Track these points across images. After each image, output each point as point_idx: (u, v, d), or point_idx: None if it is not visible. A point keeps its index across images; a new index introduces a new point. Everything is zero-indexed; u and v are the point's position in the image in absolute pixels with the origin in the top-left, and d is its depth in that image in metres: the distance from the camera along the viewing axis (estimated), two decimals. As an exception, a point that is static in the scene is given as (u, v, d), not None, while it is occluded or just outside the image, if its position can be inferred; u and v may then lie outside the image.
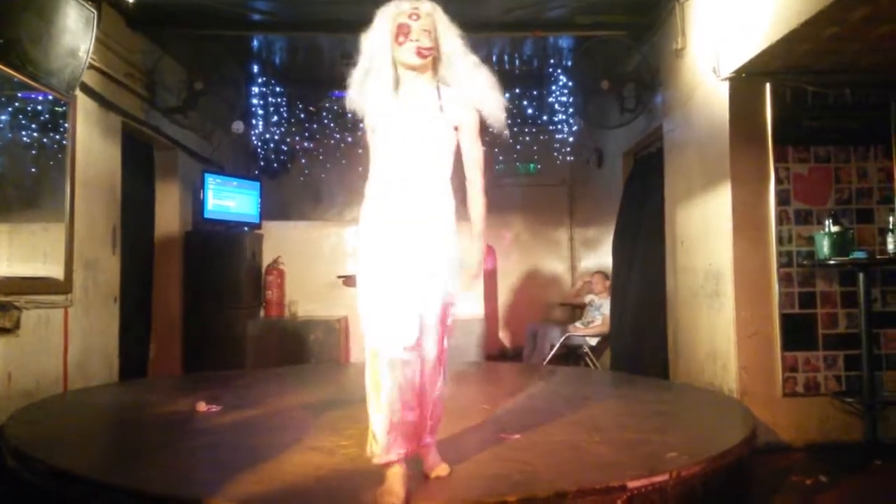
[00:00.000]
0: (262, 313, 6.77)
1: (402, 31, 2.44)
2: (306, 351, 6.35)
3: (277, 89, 7.52)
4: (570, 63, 6.83)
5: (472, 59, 2.54)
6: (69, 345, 4.47)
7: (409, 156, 2.46)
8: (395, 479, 2.35)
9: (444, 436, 2.91)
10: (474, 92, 2.53)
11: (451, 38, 2.51)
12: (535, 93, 7.67)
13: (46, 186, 4.60)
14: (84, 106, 4.67)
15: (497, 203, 8.32)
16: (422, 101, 2.50)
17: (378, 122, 2.51)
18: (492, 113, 2.57)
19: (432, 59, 2.49)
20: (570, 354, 7.06)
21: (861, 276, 3.97)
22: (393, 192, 2.46)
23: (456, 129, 2.53)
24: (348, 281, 6.47)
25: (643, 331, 5.69)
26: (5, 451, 3.05)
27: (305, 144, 8.25)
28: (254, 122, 7.67)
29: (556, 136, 8.09)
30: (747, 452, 3.12)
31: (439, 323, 2.50)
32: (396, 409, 2.34)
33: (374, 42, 2.50)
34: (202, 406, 3.87)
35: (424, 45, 2.44)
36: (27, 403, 3.91)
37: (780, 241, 4.26)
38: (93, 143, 4.82)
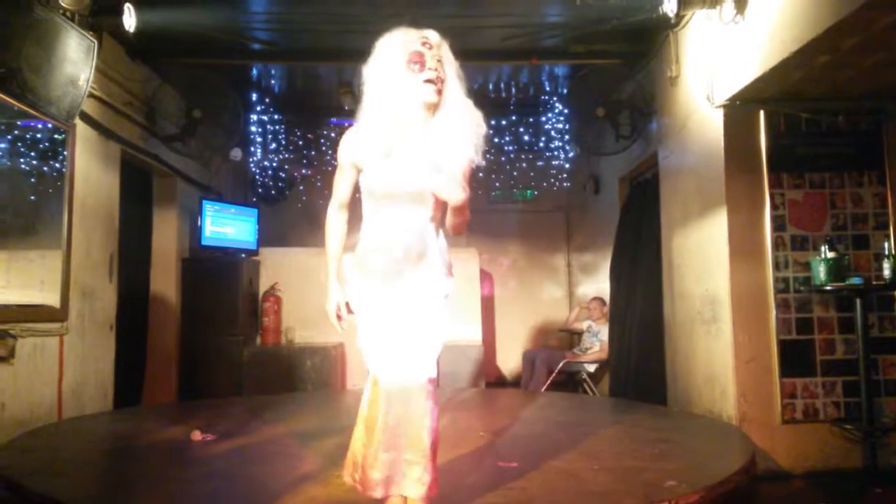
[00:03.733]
0: (258, 340, 6.74)
1: (415, 59, 2.31)
2: (303, 378, 6.32)
3: (276, 117, 7.57)
4: (565, 90, 6.90)
5: (465, 101, 2.40)
6: (64, 373, 4.45)
7: (403, 196, 2.34)
8: None
9: (441, 462, 2.89)
10: (460, 131, 2.36)
11: (453, 71, 2.39)
12: (531, 120, 7.73)
13: (44, 214, 4.61)
14: (83, 134, 4.70)
15: (494, 229, 8.41)
16: (420, 141, 2.35)
17: (375, 164, 2.34)
18: (471, 150, 2.37)
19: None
20: (568, 381, 7.03)
21: (858, 301, 3.98)
22: (386, 232, 2.36)
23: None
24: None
25: (641, 357, 5.67)
26: (-2, 481, 3.02)
27: (303, 171, 8.29)
28: (252, 149, 7.71)
29: (553, 163, 8.15)
30: (746, 480, 3.09)
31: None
32: (395, 445, 2.26)
33: (386, 70, 2.35)
34: (197, 435, 3.84)
35: (443, 76, 2.33)
36: (21, 432, 3.88)
37: (776, 266, 4.27)
38: (91, 171, 4.84)
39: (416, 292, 2.36)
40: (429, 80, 2.30)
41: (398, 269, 2.34)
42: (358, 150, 2.39)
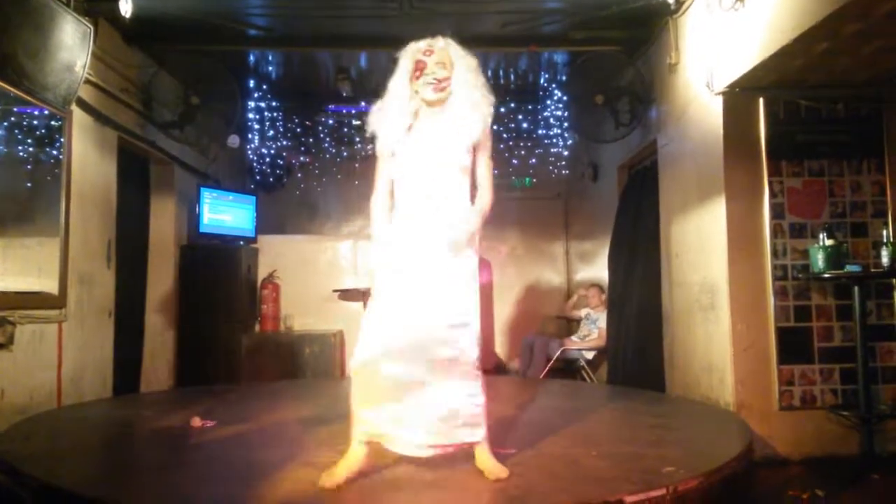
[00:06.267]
0: (257, 327, 6.75)
1: (418, 67, 2.72)
2: (302, 365, 6.33)
3: (273, 103, 7.54)
4: (564, 77, 6.87)
5: (480, 81, 2.78)
6: (63, 359, 4.45)
7: (430, 178, 2.71)
8: (346, 460, 2.66)
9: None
10: (476, 109, 2.75)
11: (463, 65, 2.76)
12: (530, 107, 7.71)
13: (42, 201, 4.60)
14: (80, 121, 4.68)
15: (492, 217, 8.32)
16: (439, 128, 2.73)
17: (397, 150, 2.74)
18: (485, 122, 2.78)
19: (450, 91, 2.74)
20: (567, 368, 7.05)
21: (856, 289, 3.99)
22: (414, 214, 2.71)
23: (472, 149, 2.76)
24: (344, 295, 6.47)
25: (639, 344, 5.68)
26: (-2, 468, 3.02)
27: (301, 159, 8.27)
28: (250, 136, 7.68)
29: (552, 150, 8.12)
30: (744, 466, 3.11)
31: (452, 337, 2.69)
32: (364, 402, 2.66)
33: (396, 79, 2.80)
34: (197, 421, 3.85)
35: (440, 76, 2.70)
36: (21, 419, 3.89)
37: (774, 254, 4.27)
38: (88, 158, 4.82)
39: (445, 273, 2.69)
40: (428, 82, 2.71)
41: (427, 253, 2.69)
42: (387, 140, 2.78)
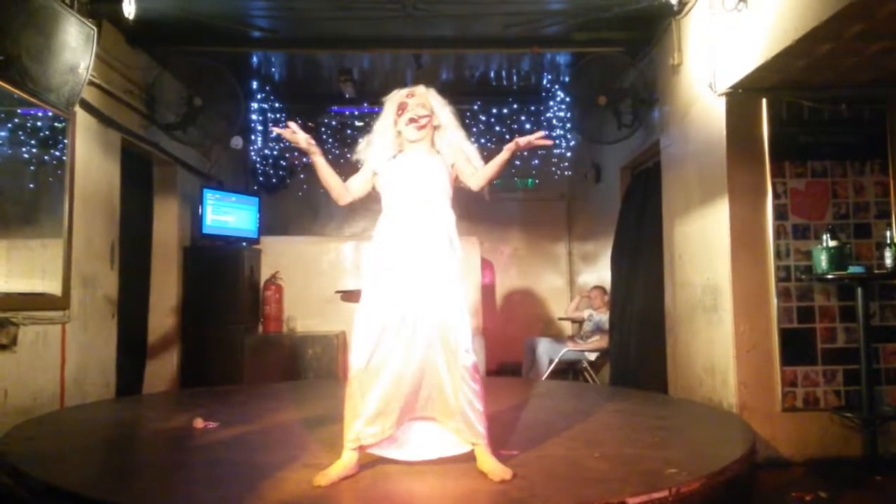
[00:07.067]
0: (260, 329, 6.75)
1: (401, 108, 3.03)
2: (304, 366, 6.33)
3: (276, 105, 7.54)
4: (567, 78, 6.87)
5: (462, 133, 3.12)
6: (67, 361, 4.46)
7: (413, 188, 2.93)
8: (340, 463, 2.78)
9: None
10: (460, 147, 3.07)
11: (444, 113, 3.07)
12: (532, 108, 7.70)
13: (45, 202, 4.61)
14: (83, 122, 4.69)
15: (495, 218, 8.40)
16: (421, 154, 3.02)
17: (383, 170, 3.00)
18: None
19: (430, 130, 3.03)
20: (569, 369, 7.05)
21: (859, 290, 3.98)
22: (403, 217, 2.91)
23: (452, 165, 3.03)
24: (347, 296, 6.46)
25: (642, 345, 5.68)
26: (1, 469, 3.03)
27: (304, 160, 8.25)
28: (253, 137, 7.69)
29: (554, 151, 8.11)
30: (747, 468, 3.10)
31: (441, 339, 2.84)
32: (359, 412, 2.81)
33: (381, 120, 3.09)
34: (200, 422, 3.85)
35: (419, 114, 2.98)
36: (24, 420, 3.89)
37: (777, 255, 4.26)
38: (92, 159, 4.83)
39: (422, 270, 2.86)
40: (410, 120, 2.99)
41: (410, 257, 2.86)
42: (371, 161, 3.07)
